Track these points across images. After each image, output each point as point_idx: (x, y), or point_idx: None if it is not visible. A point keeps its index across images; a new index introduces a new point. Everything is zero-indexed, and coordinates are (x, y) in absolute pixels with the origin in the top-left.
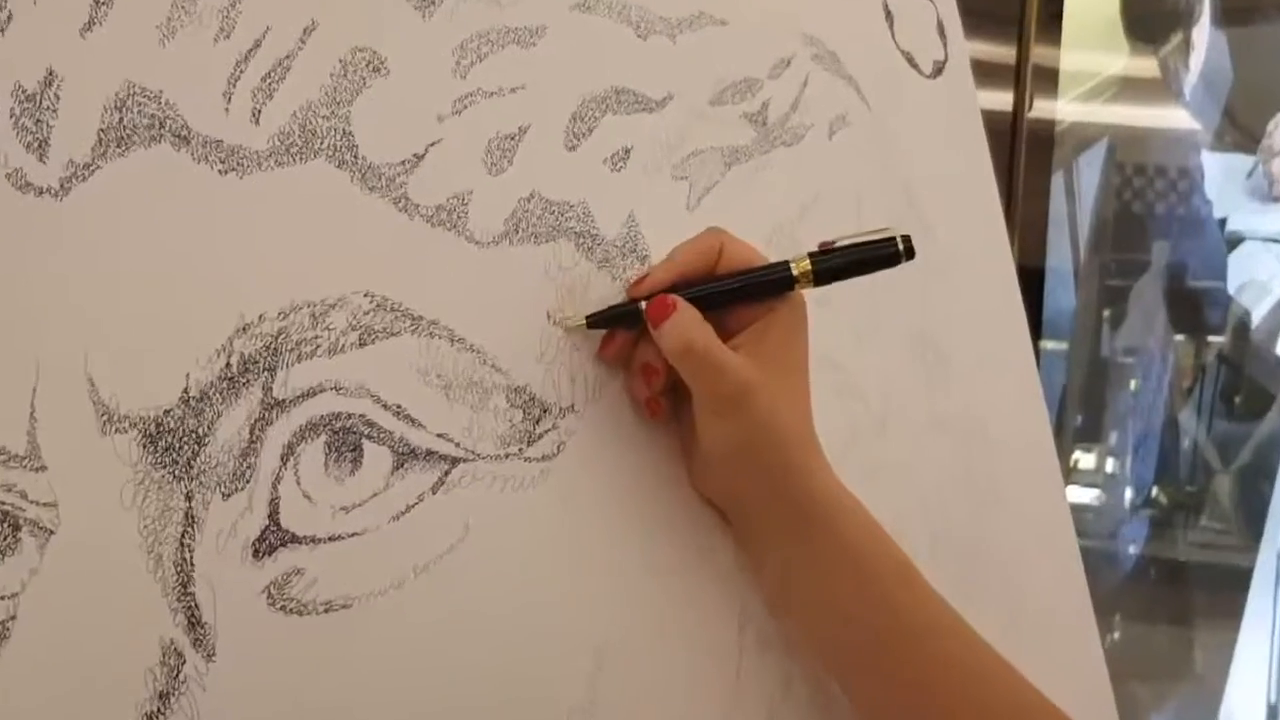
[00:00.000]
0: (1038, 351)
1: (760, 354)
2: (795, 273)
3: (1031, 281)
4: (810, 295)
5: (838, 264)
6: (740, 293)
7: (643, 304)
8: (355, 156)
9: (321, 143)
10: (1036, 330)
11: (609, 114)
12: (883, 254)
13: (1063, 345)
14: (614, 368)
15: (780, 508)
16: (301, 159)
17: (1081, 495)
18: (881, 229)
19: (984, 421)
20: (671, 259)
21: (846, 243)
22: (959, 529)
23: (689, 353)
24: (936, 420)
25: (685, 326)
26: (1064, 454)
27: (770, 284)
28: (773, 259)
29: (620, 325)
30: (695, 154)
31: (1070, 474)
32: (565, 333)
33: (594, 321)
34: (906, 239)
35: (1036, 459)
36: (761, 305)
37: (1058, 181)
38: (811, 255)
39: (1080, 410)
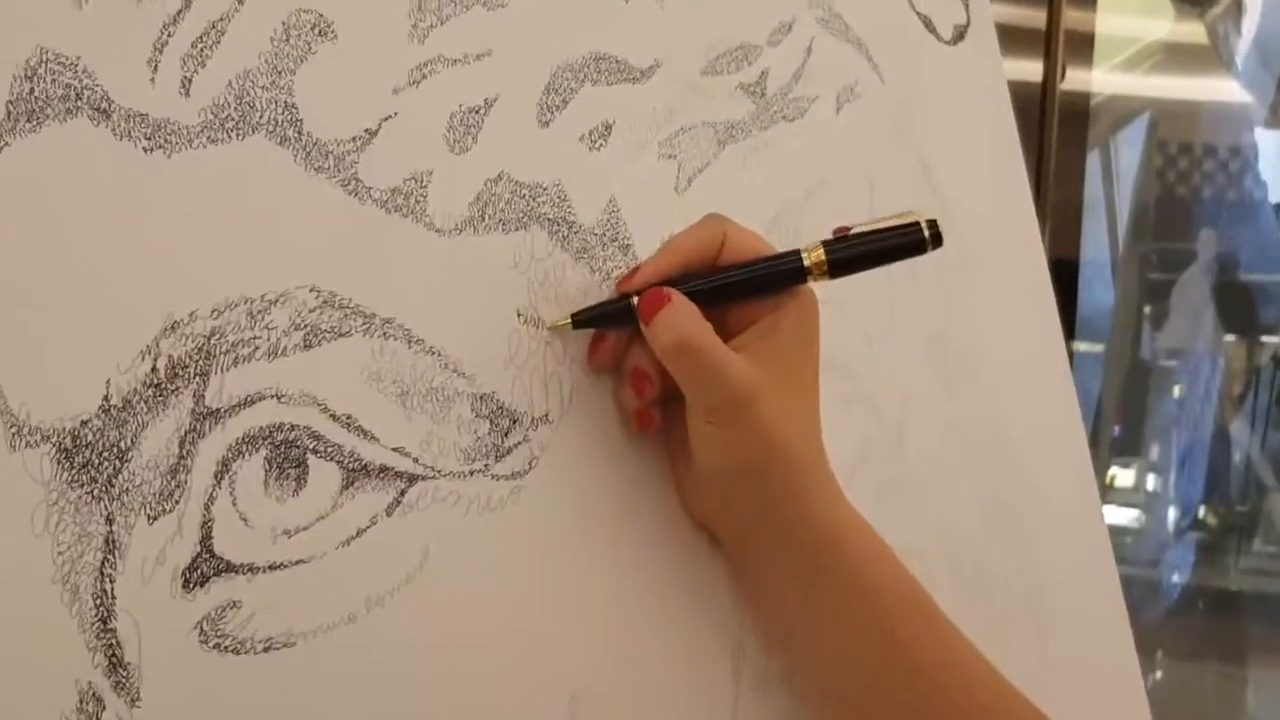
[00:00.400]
0: (1070, 354)
1: (765, 356)
2: (807, 263)
3: (1064, 275)
4: (815, 292)
5: (855, 252)
6: (745, 286)
7: (634, 299)
8: (299, 132)
9: (260, 117)
10: (1070, 330)
11: (587, 85)
12: (907, 241)
13: (1098, 347)
14: (601, 374)
15: (782, 533)
16: (238, 135)
17: (1120, 516)
18: (903, 213)
19: (1011, 434)
20: (668, 249)
21: (865, 229)
22: (983, 556)
23: (683, 350)
24: (958, 433)
25: (680, 320)
26: (1100, 470)
27: (778, 276)
28: (775, 250)
29: (610, 325)
30: (685, 130)
31: (1107, 492)
32: (549, 334)
33: (580, 320)
34: (933, 224)
35: (1071, 477)
36: (768, 302)
37: (1093, 162)
38: (826, 243)
39: (1118, 420)
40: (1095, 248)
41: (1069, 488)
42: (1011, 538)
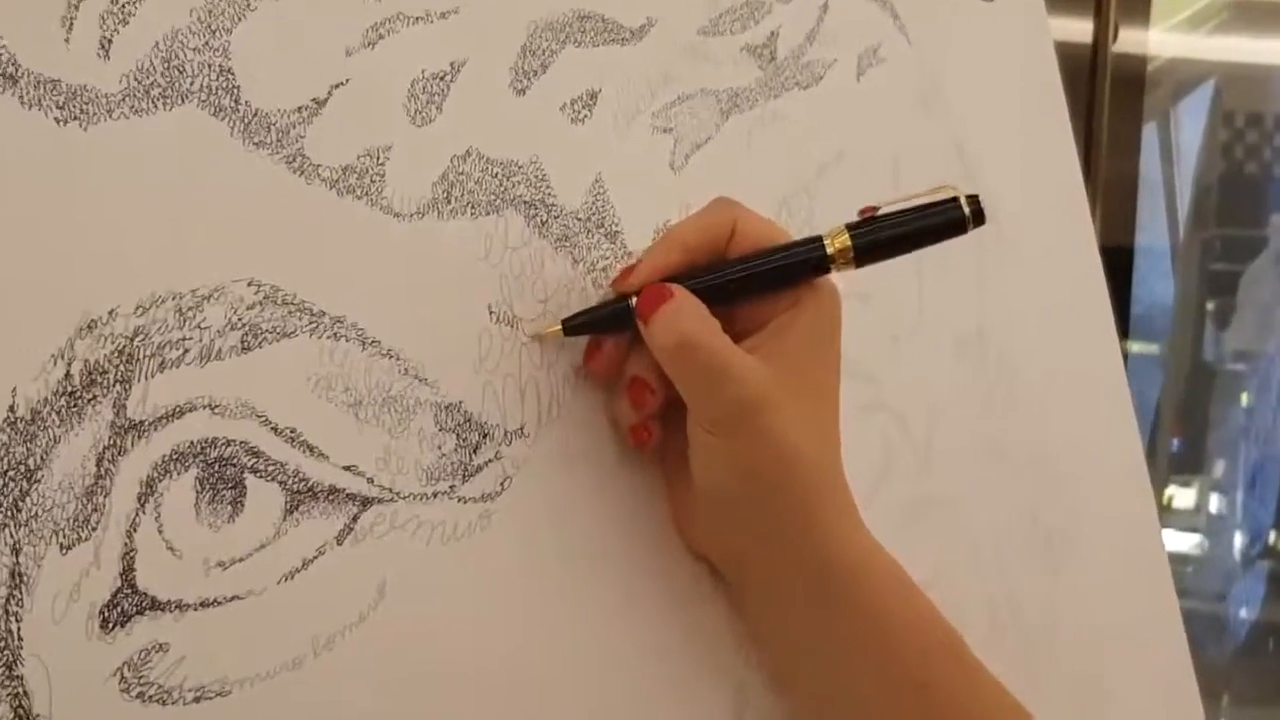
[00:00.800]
0: (1125, 356)
1: (779, 359)
2: (830, 250)
3: (1117, 266)
4: (837, 285)
5: (885, 236)
6: (759, 280)
7: (633, 301)
8: (236, 101)
9: (192, 83)
10: (1123, 328)
11: (569, 46)
12: (944, 220)
13: (1154, 348)
14: (600, 384)
15: (792, 563)
16: (165, 104)
17: (1179, 542)
18: (938, 187)
19: (1056, 449)
20: (670, 240)
21: (895, 207)
22: (1022, 589)
23: (685, 350)
24: (995, 447)
25: (682, 316)
26: (1157, 488)
27: (797, 267)
28: (791, 239)
29: (607, 330)
30: (682, 99)
31: (1165, 515)
32: (531, 339)
33: (573, 327)
34: (974, 200)
35: (1126, 498)
36: (784, 297)
37: (1150, 135)
38: (851, 227)
39: (1177, 432)
40: (1151, 234)
41: (1123, 511)
42: (1056, 568)
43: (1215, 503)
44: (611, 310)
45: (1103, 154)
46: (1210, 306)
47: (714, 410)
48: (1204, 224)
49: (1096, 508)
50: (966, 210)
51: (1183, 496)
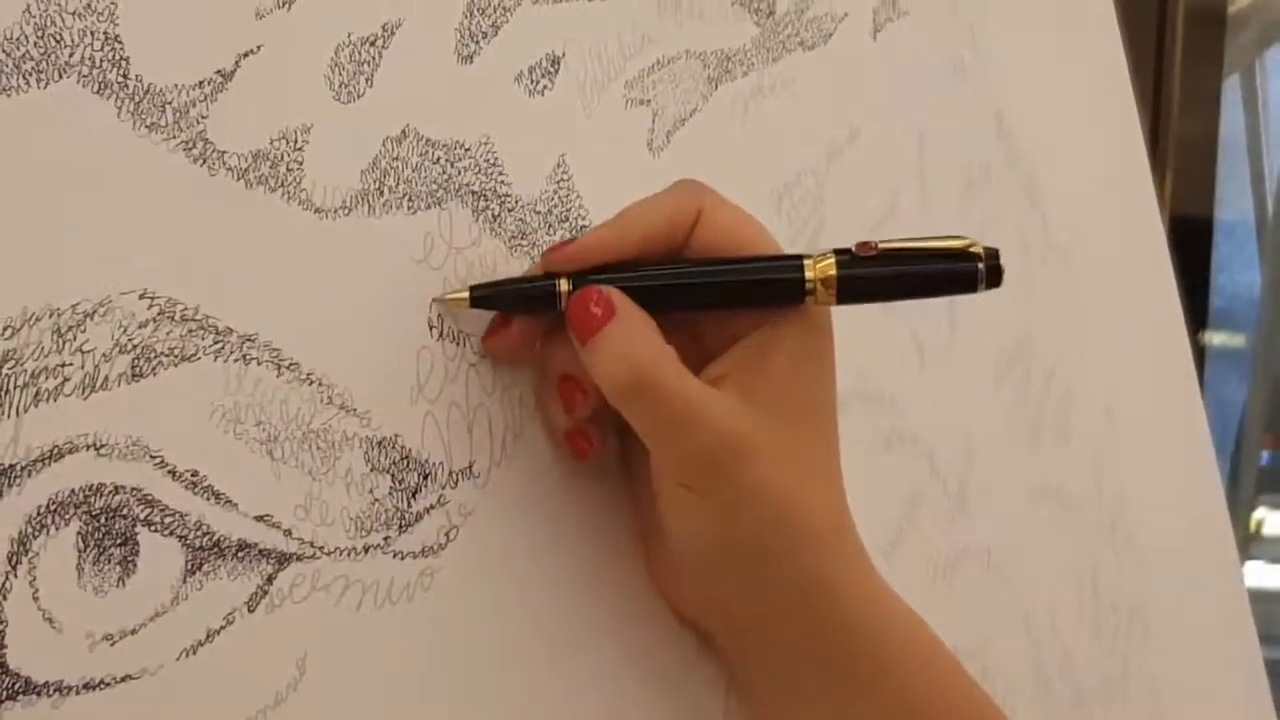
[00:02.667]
0: (1201, 353)
1: (759, 390)
2: (810, 276)
3: (1192, 243)
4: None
5: (879, 276)
6: (721, 296)
7: (561, 283)
8: (125, 76)
9: (71, 54)
10: (1200, 318)
11: (525, 2)
12: (952, 273)
13: (1239, 340)
14: (501, 363)
15: (801, 636)
16: (39, 80)
17: (1270, 577)
18: (952, 236)
19: (1117, 490)
20: (623, 220)
21: (897, 245)
22: (1082, 660)
23: (639, 389)
24: (1044, 489)
25: (632, 344)
26: (1241, 511)
27: (765, 289)
28: (785, 226)
29: (523, 309)
30: (662, 64)
31: (1251, 543)
32: (448, 316)
33: (481, 299)
34: (993, 256)
35: (1201, 555)
36: (759, 310)
37: (1232, 89)
38: (840, 255)
39: (1269, 443)
40: (1235, 207)
41: (1198, 568)
42: (1122, 636)
43: None
44: (533, 288)
45: (1173, 112)
46: None
47: (683, 462)
48: None
49: (1167, 567)
50: (981, 268)
51: (1275, 521)
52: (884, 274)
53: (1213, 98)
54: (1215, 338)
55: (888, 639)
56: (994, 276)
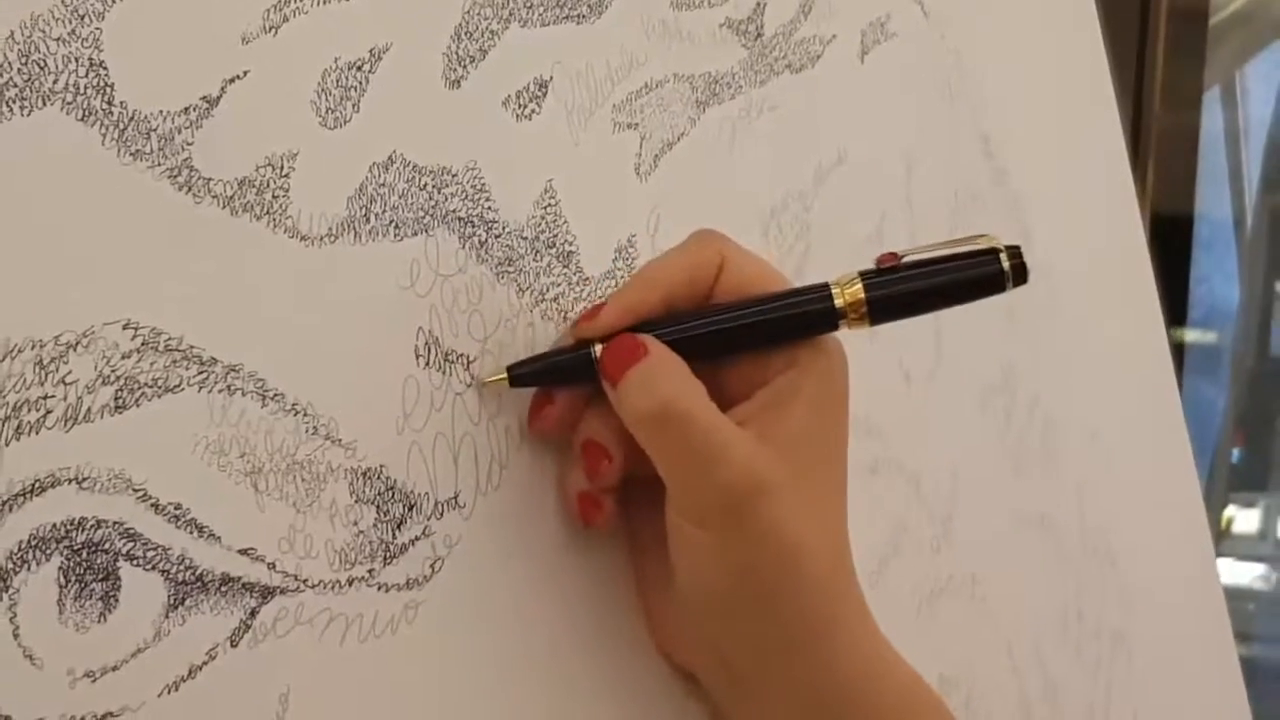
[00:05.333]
0: (1180, 351)
1: (779, 435)
2: (840, 303)
3: (1172, 240)
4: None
5: (907, 290)
6: (753, 335)
7: (596, 349)
8: (109, 103)
9: (55, 81)
10: (1178, 315)
11: (513, 26)
12: (978, 276)
13: (1212, 336)
14: (545, 441)
15: (791, 684)
16: (22, 108)
17: (1239, 574)
18: (974, 236)
19: (1103, 517)
20: (645, 278)
21: (920, 256)
22: (1065, 687)
23: (665, 421)
24: (1028, 516)
25: (662, 378)
26: (1213, 508)
27: (798, 321)
28: (772, 250)
29: (563, 382)
30: (650, 88)
31: (1222, 540)
32: (474, 388)
33: (521, 376)
34: (1015, 254)
35: (1186, 584)
36: (779, 356)
37: (1213, 98)
38: (866, 276)
39: (1239, 440)
40: (1213, 204)
41: (1180, 592)
42: (1098, 657)
43: None
44: (570, 360)
45: (1154, 114)
46: (1279, 288)
47: (700, 497)
48: (1274, 191)
49: (1148, 580)
50: (1005, 265)
51: (1245, 519)
52: (911, 289)
53: (1193, 106)
54: (1193, 335)
55: (883, 697)
56: (1020, 274)
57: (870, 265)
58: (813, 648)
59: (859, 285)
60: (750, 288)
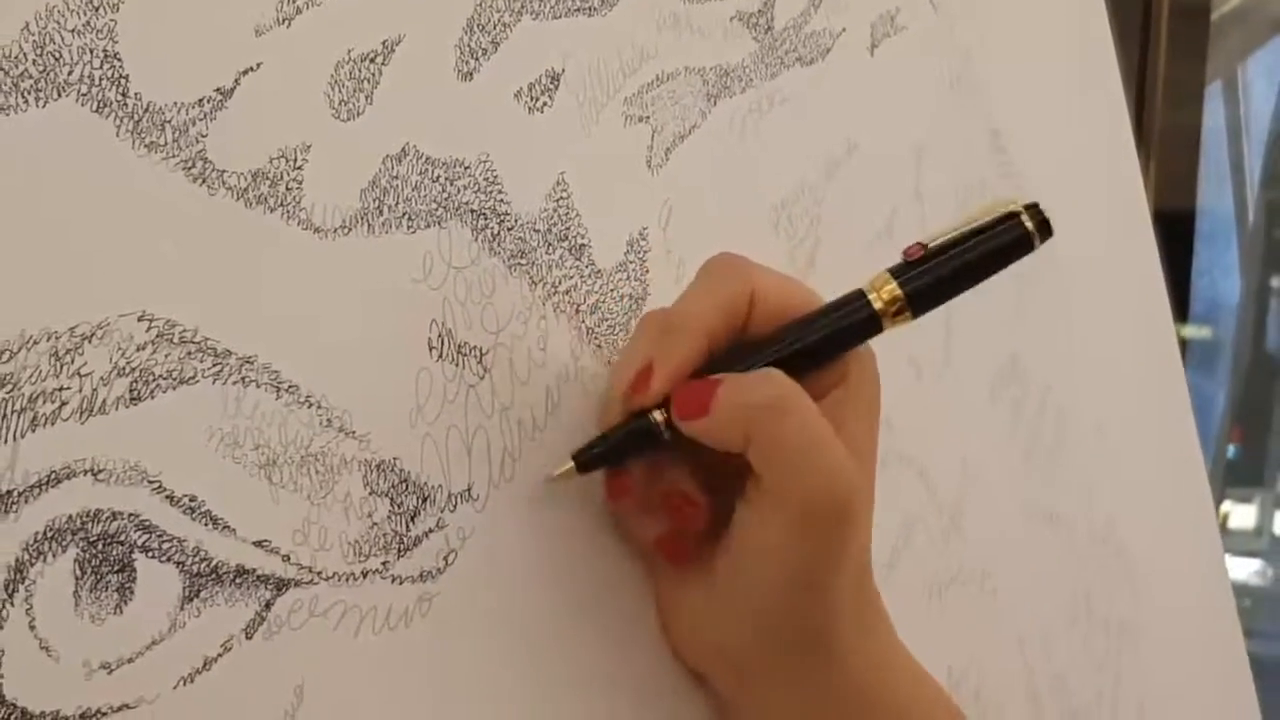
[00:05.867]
0: (1182, 346)
1: (852, 449)
2: (878, 304)
3: (1174, 236)
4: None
5: (941, 274)
6: (804, 360)
7: (655, 415)
8: (124, 94)
9: (70, 73)
10: (1181, 310)
11: (525, 18)
12: (1007, 241)
13: (1205, 332)
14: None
15: (809, 689)
16: (37, 99)
17: (1236, 569)
18: (990, 204)
19: (1111, 509)
20: (684, 331)
21: (945, 239)
22: (1074, 680)
23: (783, 406)
24: (1037, 508)
25: (758, 380)
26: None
27: (844, 335)
28: (782, 247)
29: (629, 457)
30: (661, 81)
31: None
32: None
33: (588, 461)
34: (1036, 211)
35: (1198, 576)
36: (829, 372)
37: (1214, 93)
38: (895, 271)
39: (1236, 436)
40: (1214, 197)
41: (1188, 583)
42: (1114, 654)
43: None
44: (633, 431)
45: (1157, 111)
46: (1276, 283)
47: (806, 490)
48: (1275, 188)
49: (1161, 589)
50: (1030, 224)
51: (1241, 514)
52: (944, 272)
53: (1195, 101)
54: (1192, 331)
55: (902, 702)
56: (1045, 229)
57: (885, 259)
58: (833, 657)
59: (892, 283)
60: (785, 311)
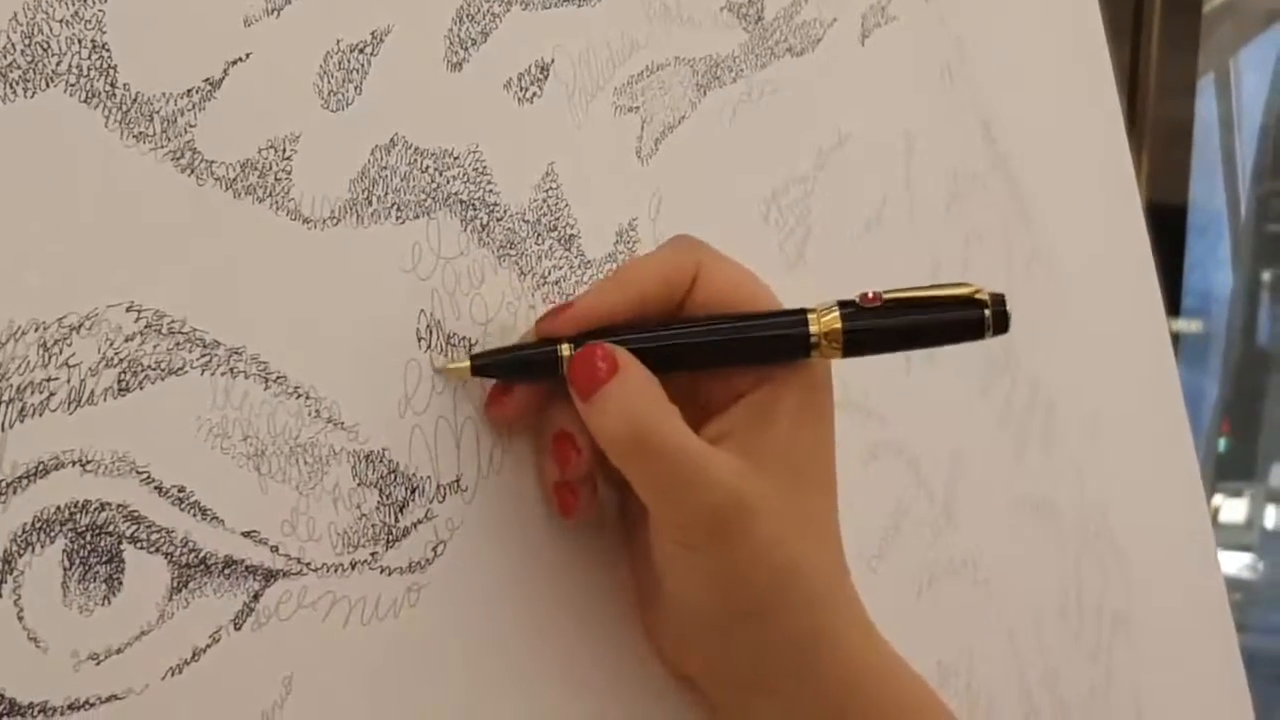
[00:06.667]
0: (1174, 340)
1: (760, 449)
2: (815, 330)
3: (1166, 230)
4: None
5: (886, 326)
6: (725, 353)
7: (563, 348)
8: (113, 84)
9: (59, 63)
10: (1173, 304)
11: (515, 9)
12: (958, 320)
13: (1207, 327)
14: (497, 429)
15: (791, 698)
16: (25, 89)
17: (1226, 564)
18: (958, 283)
19: (1102, 500)
20: (620, 279)
21: (900, 295)
22: (1066, 672)
23: (640, 446)
24: (1028, 499)
25: (634, 400)
26: None
27: (768, 345)
28: (772, 234)
29: (524, 377)
30: (651, 71)
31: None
32: (442, 380)
33: (482, 367)
34: (999, 301)
35: (1189, 570)
36: (755, 370)
37: (1206, 86)
38: (844, 306)
39: (1229, 429)
40: (1206, 191)
41: (1179, 573)
42: (1098, 641)
43: (1273, 516)
44: (533, 355)
45: (1149, 104)
46: (1266, 277)
47: (683, 519)
48: (1266, 181)
49: (1153, 580)
50: (987, 314)
51: (1231, 508)
52: (890, 325)
53: (1187, 95)
54: (1183, 325)
55: (887, 704)
56: (1000, 323)
57: (874, 251)
58: (811, 662)
59: (836, 315)
60: (726, 298)
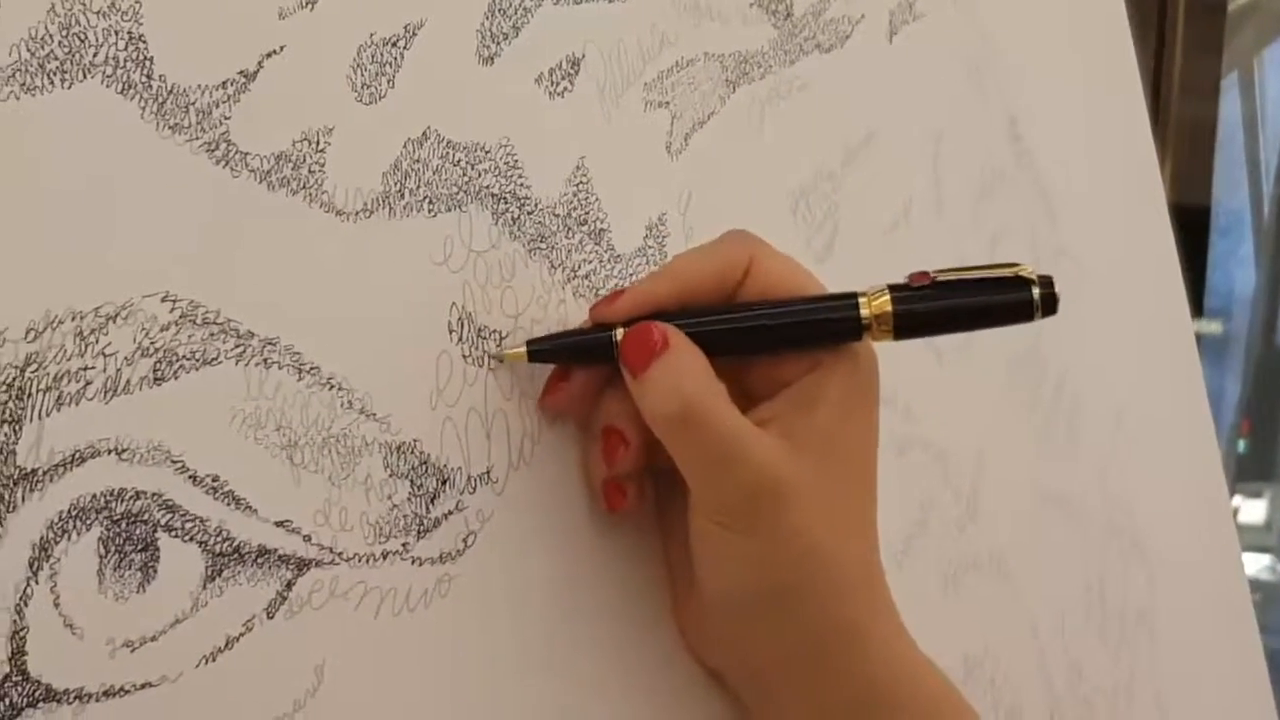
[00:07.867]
0: (1197, 339)
1: (803, 436)
2: (866, 314)
3: (1190, 230)
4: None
5: (936, 308)
6: (775, 337)
7: (616, 333)
8: (149, 76)
9: (96, 55)
10: (1197, 305)
11: (546, 3)
12: (1008, 302)
13: (1229, 328)
14: (563, 420)
15: (815, 686)
16: (63, 80)
17: (1247, 564)
18: (1006, 263)
19: (1127, 498)
20: (671, 270)
21: (951, 277)
22: (1089, 668)
23: (687, 420)
24: (1053, 496)
25: (683, 377)
26: None
27: (822, 329)
28: (800, 229)
29: (581, 361)
30: (681, 67)
31: None
32: (494, 364)
33: (539, 353)
34: (1047, 284)
35: (1213, 568)
36: (806, 358)
37: (1230, 87)
38: (895, 290)
39: (1245, 429)
40: (1229, 191)
41: (1203, 572)
42: (1121, 637)
43: None
44: (589, 340)
45: (1173, 103)
46: None
47: (722, 498)
48: None
49: (1178, 580)
50: (1035, 295)
51: (1251, 509)
52: (939, 307)
53: (1211, 94)
54: (1204, 326)
55: (910, 697)
56: (1049, 304)
57: (901, 247)
58: (837, 653)
59: (887, 298)
60: (777, 290)
